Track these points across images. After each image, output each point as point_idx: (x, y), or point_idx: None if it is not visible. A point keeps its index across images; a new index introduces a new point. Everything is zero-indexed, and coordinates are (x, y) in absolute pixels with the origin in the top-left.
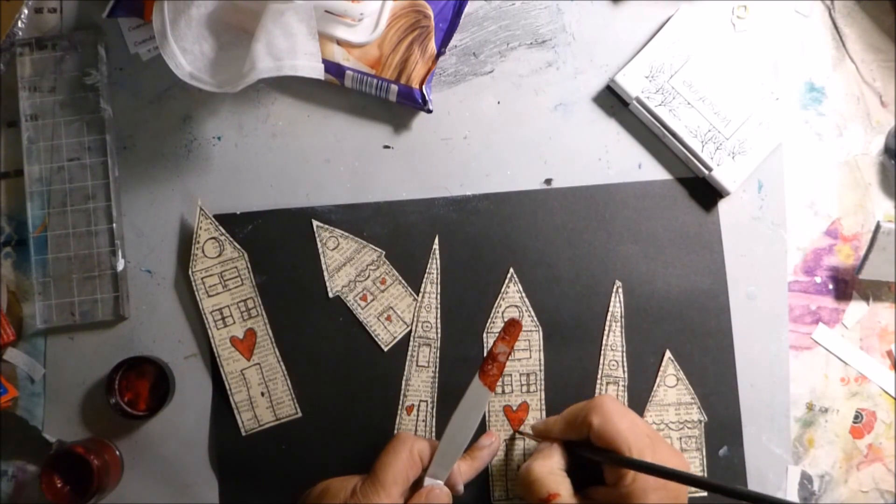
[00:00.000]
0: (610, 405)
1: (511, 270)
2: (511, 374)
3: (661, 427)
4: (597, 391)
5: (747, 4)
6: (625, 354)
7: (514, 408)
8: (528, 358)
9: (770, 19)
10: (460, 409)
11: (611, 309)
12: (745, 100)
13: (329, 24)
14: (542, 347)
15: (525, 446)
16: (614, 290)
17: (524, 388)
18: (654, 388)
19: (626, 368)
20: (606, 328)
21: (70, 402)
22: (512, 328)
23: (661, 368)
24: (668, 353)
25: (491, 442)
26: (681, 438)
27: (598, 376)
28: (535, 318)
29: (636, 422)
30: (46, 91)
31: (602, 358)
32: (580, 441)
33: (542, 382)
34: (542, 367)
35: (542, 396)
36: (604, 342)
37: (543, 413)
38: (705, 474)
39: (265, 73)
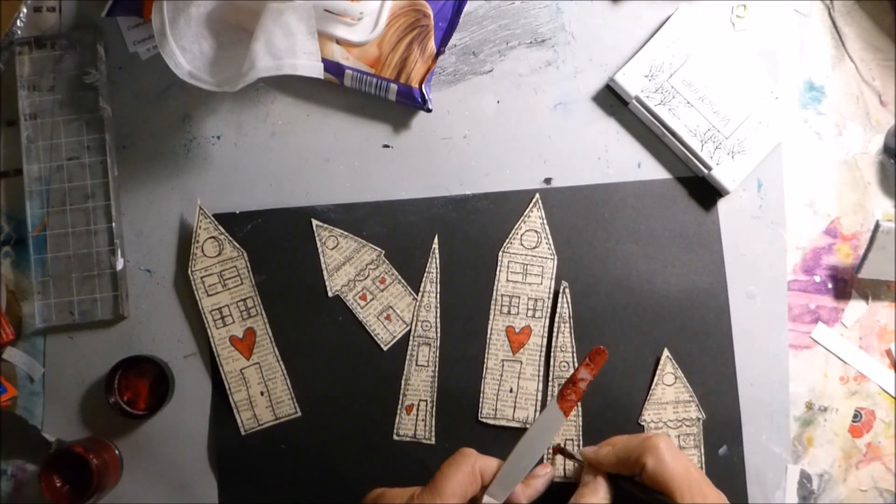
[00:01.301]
0: (665, 447)
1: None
2: (519, 297)
3: (660, 425)
4: (549, 393)
5: (747, 4)
6: (575, 355)
7: (517, 330)
8: (539, 284)
9: (769, 18)
10: (531, 431)
11: (559, 310)
12: (744, 99)
13: (328, 23)
14: (554, 276)
15: (521, 370)
16: (562, 290)
17: (530, 313)
18: (652, 387)
19: (576, 365)
20: (555, 329)
21: (69, 402)
22: (597, 356)
23: (660, 367)
24: (665, 352)
25: (546, 472)
26: (679, 436)
27: (550, 378)
28: (553, 248)
29: (689, 466)
30: (45, 90)
31: (553, 360)
32: (626, 476)
33: (549, 310)
34: (551, 296)
35: (545, 324)
36: (553, 343)
37: (544, 340)
38: (703, 471)
39: (264, 72)
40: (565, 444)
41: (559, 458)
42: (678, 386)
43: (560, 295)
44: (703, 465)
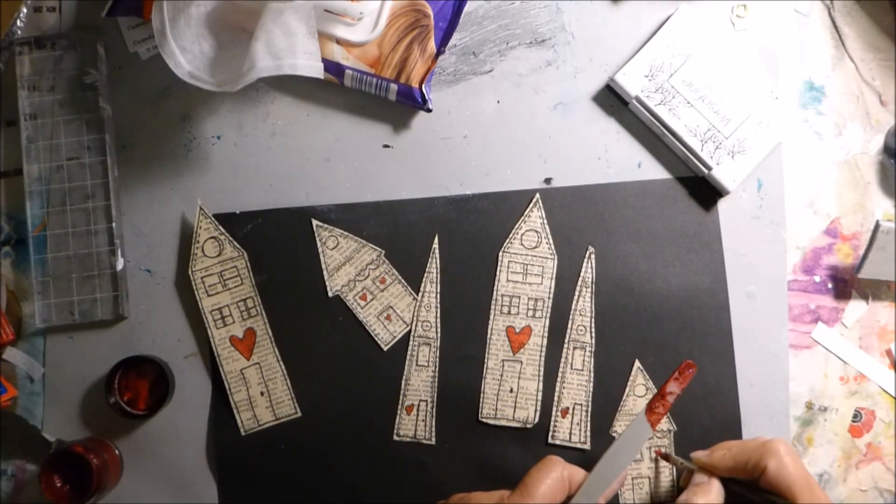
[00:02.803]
0: (786, 450)
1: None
2: (520, 297)
3: None
4: (563, 356)
5: (747, 3)
6: (593, 320)
7: (518, 330)
8: (539, 284)
9: (769, 18)
10: (619, 442)
11: (582, 274)
12: (744, 99)
13: (328, 23)
14: (554, 276)
15: (521, 370)
16: (586, 255)
17: (530, 313)
18: (623, 398)
19: (593, 334)
20: (576, 293)
21: (69, 402)
22: (686, 370)
23: (631, 378)
24: (637, 363)
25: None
26: (650, 448)
27: (566, 340)
28: (553, 248)
29: (807, 471)
30: (45, 90)
31: (570, 322)
32: (738, 479)
33: (549, 310)
34: (551, 295)
35: (546, 324)
36: (573, 307)
37: (545, 340)
38: (676, 482)
39: (264, 72)
40: (573, 408)
41: (567, 420)
42: (649, 397)
43: (585, 259)
44: (677, 477)
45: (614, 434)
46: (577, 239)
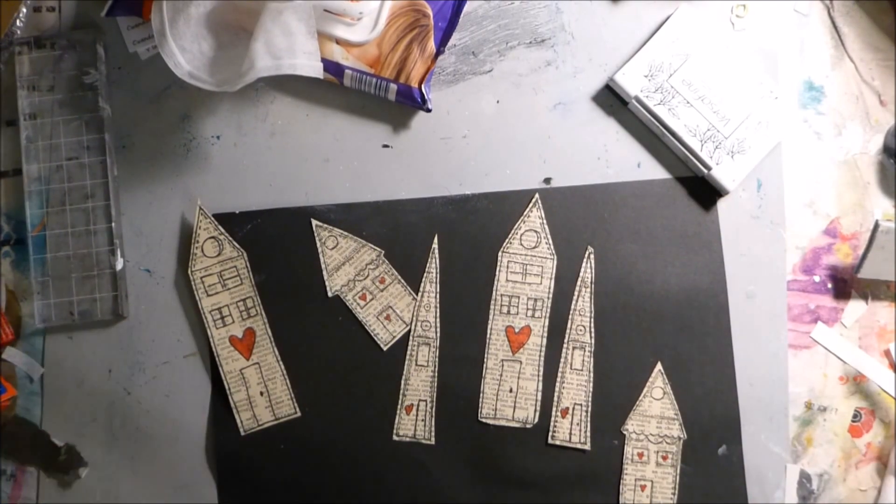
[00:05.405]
0: None
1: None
2: (519, 297)
3: (641, 438)
4: (562, 356)
5: (746, 3)
6: (592, 320)
7: (517, 330)
8: (538, 283)
9: (769, 18)
10: None
11: (581, 274)
12: (744, 99)
13: (328, 23)
14: (553, 276)
15: (520, 370)
16: (586, 255)
17: (529, 313)
18: (640, 398)
19: (592, 334)
20: (576, 293)
21: (69, 402)
22: None
23: (650, 380)
24: (658, 366)
25: None
26: (658, 452)
27: (565, 340)
28: (552, 248)
29: None
30: (45, 90)
31: (570, 322)
32: None
33: (548, 310)
34: (551, 295)
35: (546, 324)
36: (572, 307)
37: (544, 339)
38: (677, 491)
39: (264, 71)
40: (573, 408)
41: (566, 420)
42: (665, 402)
43: (584, 259)
44: (677, 484)
45: (625, 432)
46: (577, 239)
